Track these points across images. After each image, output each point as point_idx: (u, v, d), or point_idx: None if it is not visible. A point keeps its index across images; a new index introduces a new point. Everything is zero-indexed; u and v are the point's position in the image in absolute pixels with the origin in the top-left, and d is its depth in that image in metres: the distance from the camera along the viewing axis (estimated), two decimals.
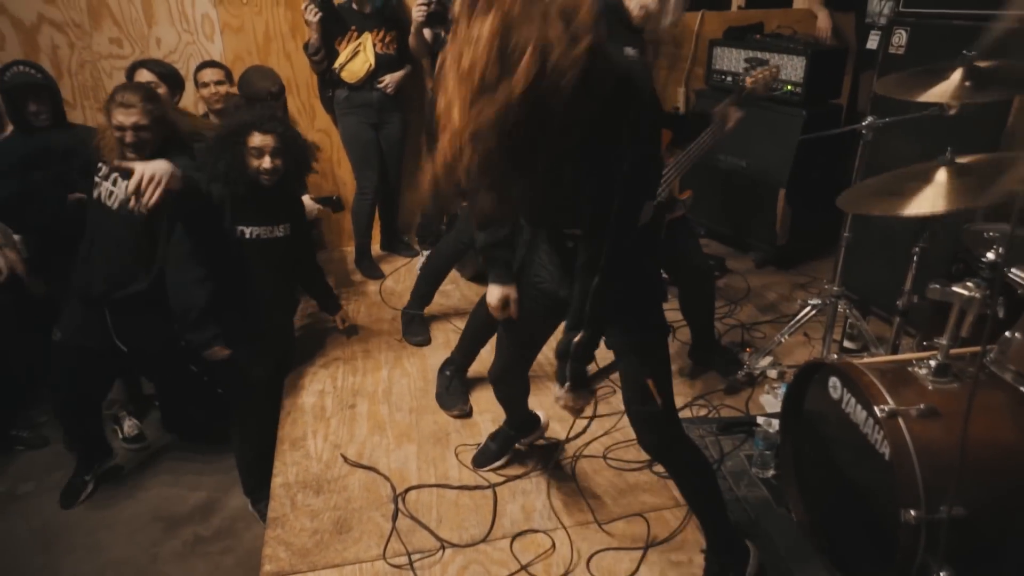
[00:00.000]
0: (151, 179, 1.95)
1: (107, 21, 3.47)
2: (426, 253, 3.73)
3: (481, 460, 2.29)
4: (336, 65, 3.38)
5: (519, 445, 2.34)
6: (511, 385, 2.14)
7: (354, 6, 3.37)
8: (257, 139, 2.42)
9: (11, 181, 2.60)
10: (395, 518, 2.08)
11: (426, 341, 3.07)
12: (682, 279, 2.69)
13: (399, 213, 4.03)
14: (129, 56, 3.51)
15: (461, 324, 3.18)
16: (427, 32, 3.23)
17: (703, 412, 2.56)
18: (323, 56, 3.37)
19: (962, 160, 1.80)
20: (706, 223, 4.02)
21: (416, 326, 3.10)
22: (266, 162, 2.44)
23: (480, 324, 2.54)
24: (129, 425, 2.96)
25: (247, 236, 2.54)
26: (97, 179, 2.43)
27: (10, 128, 2.73)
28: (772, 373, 2.74)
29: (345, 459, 2.34)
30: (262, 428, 2.53)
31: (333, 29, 3.35)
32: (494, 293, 1.79)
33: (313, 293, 3.08)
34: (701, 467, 1.80)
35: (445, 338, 3.10)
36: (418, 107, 3.77)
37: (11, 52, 3.31)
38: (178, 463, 2.86)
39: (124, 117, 2.26)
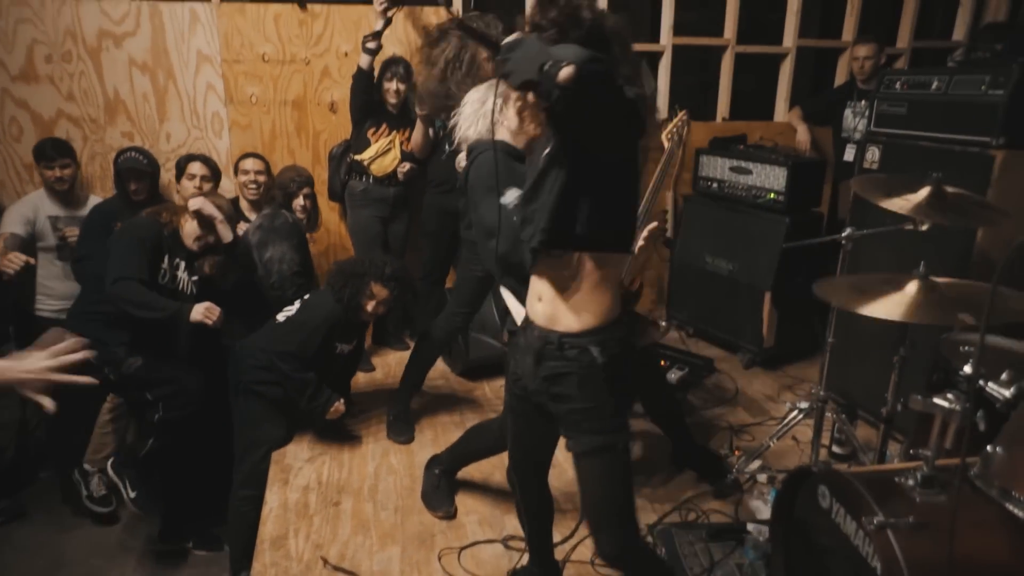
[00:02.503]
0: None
1: (122, 117, 3.63)
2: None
3: None
4: (365, 157, 3.54)
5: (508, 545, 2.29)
6: (529, 504, 2.01)
7: (389, 107, 3.54)
8: (376, 287, 2.80)
9: (102, 240, 2.96)
10: None
11: (410, 439, 3.01)
12: (644, 395, 2.76)
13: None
14: None
15: (449, 420, 3.19)
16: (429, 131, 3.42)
17: (691, 516, 2.52)
18: (367, 85, 3.49)
19: (934, 279, 1.89)
20: (694, 324, 4.09)
21: (400, 424, 3.04)
22: (371, 307, 2.82)
23: (482, 447, 2.49)
24: (97, 484, 2.95)
25: (337, 351, 2.93)
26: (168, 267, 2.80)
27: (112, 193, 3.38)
28: (762, 478, 2.72)
29: (325, 562, 2.28)
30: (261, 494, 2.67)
31: (374, 109, 3.53)
32: None
33: (335, 388, 3.13)
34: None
35: (433, 434, 3.07)
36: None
37: (27, 143, 3.44)
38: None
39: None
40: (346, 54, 3.73)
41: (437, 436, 3.05)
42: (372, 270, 2.81)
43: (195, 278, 2.93)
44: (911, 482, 1.66)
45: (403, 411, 3.06)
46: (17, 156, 3.54)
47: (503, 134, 1.87)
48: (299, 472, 2.78)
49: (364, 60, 3.41)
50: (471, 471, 2.63)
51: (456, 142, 2.10)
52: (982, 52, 3.42)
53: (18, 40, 3.44)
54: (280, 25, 3.66)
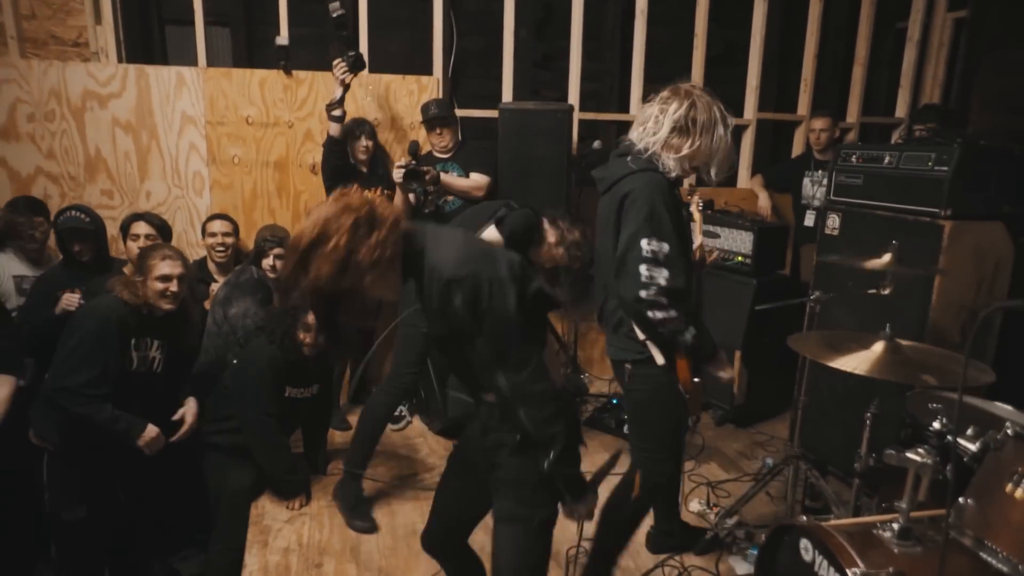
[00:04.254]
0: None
1: (102, 175, 3.65)
2: (401, 408, 3.75)
3: None
4: None
5: None
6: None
7: (360, 164, 3.60)
8: (308, 317, 2.76)
9: (48, 309, 2.87)
10: None
11: (373, 528, 2.77)
12: None
13: (371, 365, 4.09)
14: (119, 207, 3.67)
15: (429, 478, 3.18)
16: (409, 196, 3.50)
17: (675, 574, 2.55)
18: (340, 150, 3.51)
19: (899, 340, 2.04)
20: None
21: (360, 510, 2.81)
22: (310, 338, 2.80)
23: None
24: None
25: (286, 395, 2.90)
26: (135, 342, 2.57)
27: (60, 257, 3.13)
28: (740, 533, 2.78)
29: None
30: (241, 537, 2.68)
31: (345, 171, 3.52)
32: None
33: (307, 444, 3.22)
34: None
35: (414, 495, 3.06)
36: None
37: (2, 199, 3.42)
38: None
39: (170, 268, 2.53)
40: None
41: (418, 497, 3.04)
42: (300, 303, 2.77)
43: (164, 353, 2.70)
44: (888, 534, 1.74)
45: (358, 497, 2.85)
46: None
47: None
48: (278, 534, 2.73)
49: (334, 128, 3.46)
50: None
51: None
52: (920, 130, 3.71)
53: (1, 99, 3.47)
54: (265, 89, 3.76)
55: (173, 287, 2.54)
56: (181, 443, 2.72)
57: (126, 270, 2.79)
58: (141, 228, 3.16)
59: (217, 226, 3.44)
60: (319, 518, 2.85)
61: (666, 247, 1.99)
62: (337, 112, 3.44)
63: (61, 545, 2.58)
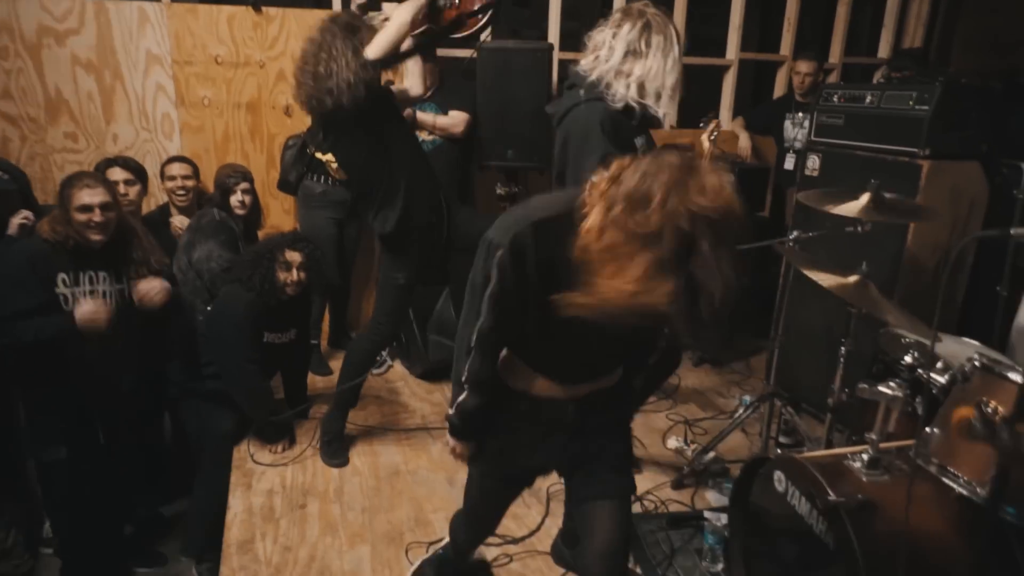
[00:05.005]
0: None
1: (64, 117, 3.52)
2: (382, 352, 3.75)
3: None
4: (327, 158, 3.50)
5: None
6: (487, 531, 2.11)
7: None
8: (288, 255, 2.74)
9: None
10: None
11: (344, 463, 2.85)
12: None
13: (348, 310, 4.08)
14: (84, 150, 3.55)
15: (411, 421, 3.22)
16: None
17: (651, 507, 2.63)
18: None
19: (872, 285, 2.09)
20: None
21: (335, 447, 2.88)
22: (292, 276, 2.74)
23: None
24: None
25: (265, 340, 2.85)
26: (65, 278, 2.39)
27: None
28: (716, 468, 2.85)
29: None
30: (224, 481, 2.69)
31: None
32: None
33: (288, 389, 3.19)
34: None
35: (396, 437, 3.09)
36: None
37: None
38: None
39: (90, 197, 2.34)
40: None
41: (400, 440, 3.07)
42: (276, 243, 2.79)
43: (121, 287, 2.55)
44: (858, 464, 1.80)
45: (337, 434, 2.90)
46: None
47: None
48: (262, 476, 2.76)
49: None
50: (435, 469, 2.67)
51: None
52: (896, 76, 3.69)
53: None
54: (234, 27, 3.61)
55: (96, 217, 2.36)
56: (161, 390, 2.70)
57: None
58: (117, 174, 3.02)
59: (175, 168, 3.31)
60: (302, 461, 2.88)
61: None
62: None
63: (44, 487, 2.58)
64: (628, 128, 2.05)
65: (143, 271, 2.62)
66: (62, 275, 2.39)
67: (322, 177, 3.57)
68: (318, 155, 3.53)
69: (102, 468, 2.56)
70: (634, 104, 2.00)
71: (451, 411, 1.62)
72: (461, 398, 1.57)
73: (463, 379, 1.55)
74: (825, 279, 2.17)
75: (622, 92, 1.96)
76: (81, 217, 2.36)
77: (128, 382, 2.62)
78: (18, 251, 2.40)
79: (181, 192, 3.31)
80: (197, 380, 2.84)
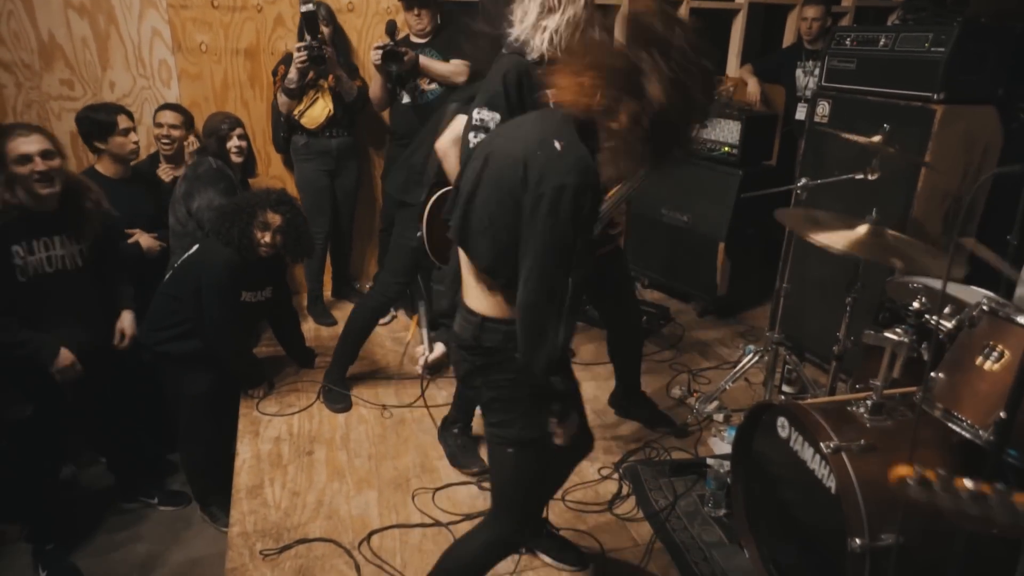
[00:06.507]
0: None
1: (59, 63, 3.44)
2: None
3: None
4: (296, 112, 3.44)
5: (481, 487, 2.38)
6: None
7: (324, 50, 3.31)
8: (268, 215, 2.68)
9: None
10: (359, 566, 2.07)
11: (348, 407, 2.90)
12: (611, 319, 2.71)
13: (350, 260, 4.06)
14: (80, 98, 3.48)
15: (416, 372, 3.23)
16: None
17: (654, 455, 2.66)
18: (299, 95, 3.38)
19: (882, 228, 2.04)
20: (650, 274, 4.21)
21: (336, 394, 2.92)
22: (268, 237, 2.68)
23: None
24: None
25: (241, 299, 2.78)
26: (20, 250, 2.27)
27: None
28: (718, 417, 2.88)
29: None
30: (208, 435, 2.70)
31: (318, 72, 3.35)
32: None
33: (286, 345, 3.23)
34: None
35: (400, 385, 3.12)
36: (372, 157, 3.86)
37: None
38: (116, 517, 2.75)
39: (27, 146, 2.21)
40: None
41: (404, 386, 3.10)
42: (258, 200, 2.71)
43: (80, 247, 2.45)
44: (861, 410, 1.81)
45: (338, 381, 2.95)
46: None
47: None
48: (269, 424, 2.79)
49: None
50: (440, 417, 2.69)
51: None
52: (911, 19, 3.57)
53: None
54: None
55: (39, 166, 2.20)
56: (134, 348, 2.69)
57: None
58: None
59: (163, 117, 3.25)
60: (308, 410, 2.90)
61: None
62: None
63: (10, 443, 2.53)
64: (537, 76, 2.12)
65: (97, 225, 2.47)
66: (15, 247, 2.26)
67: (302, 131, 3.50)
68: (293, 114, 3.44)
69: (72, 425, 2.55)
70: (547, 53, 2.07)
71: (554, 402, 1.48)
72: (558, 379, 1.43)
73: (554, 353, 1.37)
74: (833, 238, 2.10)
75: (537, 44, 2.06)
76: (22, 170, 2.20)
77: (86, 340, 2.47)
78: None
79: (166, 141, 3.26)
80: (168, 343, 2.70)
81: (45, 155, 2.24)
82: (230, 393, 2.91)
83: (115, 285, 2.67)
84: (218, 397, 2.74)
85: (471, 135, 2.06)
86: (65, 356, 2.33)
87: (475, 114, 2.05)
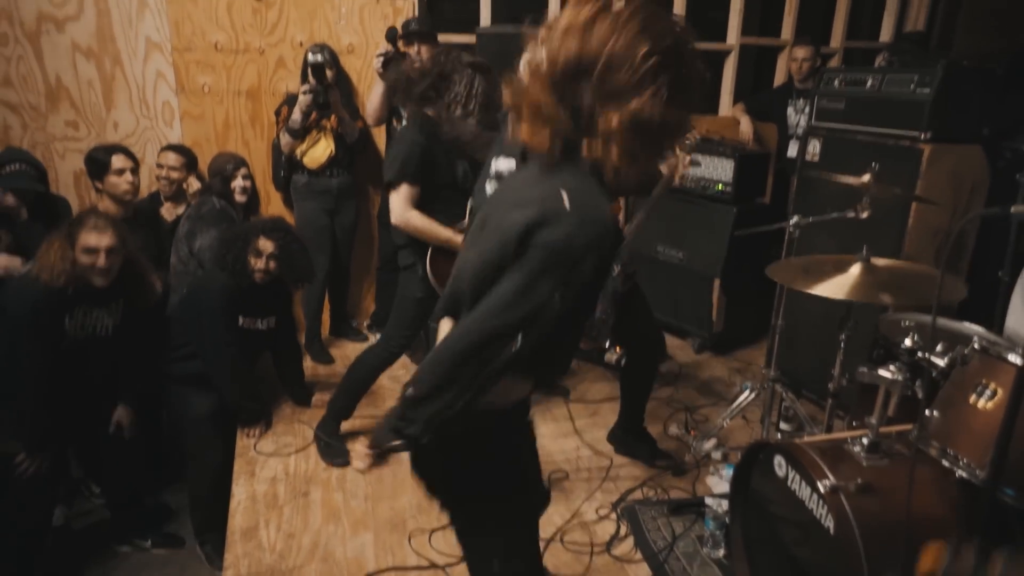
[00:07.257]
0: None
1: (65, 104, 3.51)
2: (378, 335, 3.74)
3: None
4: (298, 151, 3.49)
5: None
6: None
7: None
8: (260, 242, 2.73)
9: None
10: None
11: (346, 462, 2.78)
12: (632, 345, 2.64)
13: (348, 299, 4.08)
14: (85, 139, 3.54)
15: None
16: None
17: (652, 494, 2.64)
18: (302, 135, 3.44)
19: (875, 261, 2.05)
20: None
21: (334, 448, 2.81)
22: (261, 263, 2.74)
23: None
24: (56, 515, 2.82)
25: (240, 325, 2.84)
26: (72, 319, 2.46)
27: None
28: (716, 455, 2.86)
29: None
30: (212, 460, 2.74)
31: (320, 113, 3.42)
32: None
33: (285, 381, 3.24)
34: None
35: None
36: (371, 195, 3.91)
37: None
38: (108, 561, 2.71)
39: (97, 240, 2.37)
40: (301, 44, 3.69)
41: None
42: (252, 228, 2.80)
43: (114, 319, 2.62)
44: (858, 448, 1.81)
45: (332, 434, 2.83)
46: None
47: None
48: (265, 464, 2.77)
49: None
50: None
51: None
52: (899, 58, 3.67)
53: None
54: (233, 13, 3.59)
55: (101, 261, 2.38)
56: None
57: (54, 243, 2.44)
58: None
59: (165, 158, 3.30)
60: (304, 450, 2.89)
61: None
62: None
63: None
64: None
65: (141, 304, 2.69)
66: (66, 315, 2.46)
67: (303, 170, 3.55)
68: (295, 154, 3.50)
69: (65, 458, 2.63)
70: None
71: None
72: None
73: (443, 413, 1.14)
74: (824, 288, 2.11)
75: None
76: (85, 259, 2.38)
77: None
78: (23, 300, 2.40)
79: (164, 182, 3.32)
80: (171, 363, 2.81)
81: (109, 251, 2.41)
82: (233, 418, 2.94)
83: (135, 362, 2.78)
84: (222, 420, 2.80)
85: (487, 184, 2.05)
86: (35, 462, 2.43)
87: (493, 163, 2.04)
